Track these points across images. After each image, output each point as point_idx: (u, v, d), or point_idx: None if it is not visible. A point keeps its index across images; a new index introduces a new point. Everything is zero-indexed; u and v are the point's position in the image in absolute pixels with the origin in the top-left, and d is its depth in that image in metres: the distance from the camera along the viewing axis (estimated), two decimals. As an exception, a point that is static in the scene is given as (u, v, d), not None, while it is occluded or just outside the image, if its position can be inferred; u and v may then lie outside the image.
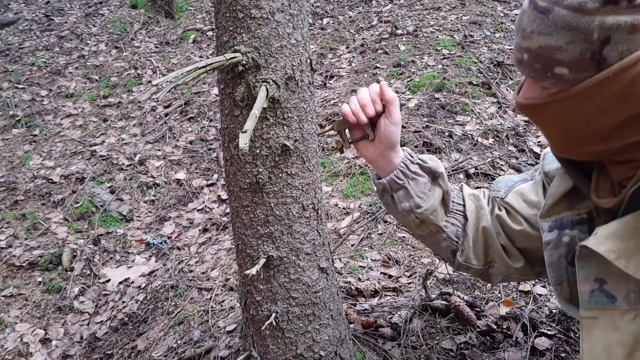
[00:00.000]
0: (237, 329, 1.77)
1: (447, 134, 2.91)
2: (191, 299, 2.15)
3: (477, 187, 2.19)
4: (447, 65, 3.68)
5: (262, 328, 1.16)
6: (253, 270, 1.02)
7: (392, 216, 1.32)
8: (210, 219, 2.91)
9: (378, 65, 3.96)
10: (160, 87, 0.77)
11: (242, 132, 0.81)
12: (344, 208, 2.51)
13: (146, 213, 3.16)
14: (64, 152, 3.82)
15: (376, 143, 1.10)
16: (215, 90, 4.28)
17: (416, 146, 2.81)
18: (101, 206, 3.15)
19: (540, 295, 1.70)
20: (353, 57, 4.33)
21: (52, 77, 5.04)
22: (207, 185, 3.28)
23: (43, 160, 3.73)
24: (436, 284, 1.83)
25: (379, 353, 1.47)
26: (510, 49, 3.90)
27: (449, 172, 2.52)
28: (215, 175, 3.34)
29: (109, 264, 2.74)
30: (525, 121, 3.03)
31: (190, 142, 3.79)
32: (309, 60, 1.06)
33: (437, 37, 4.20)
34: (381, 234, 2.22)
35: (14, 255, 2.77)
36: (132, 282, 2.57)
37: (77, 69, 5.20)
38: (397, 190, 1.11)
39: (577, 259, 0.81)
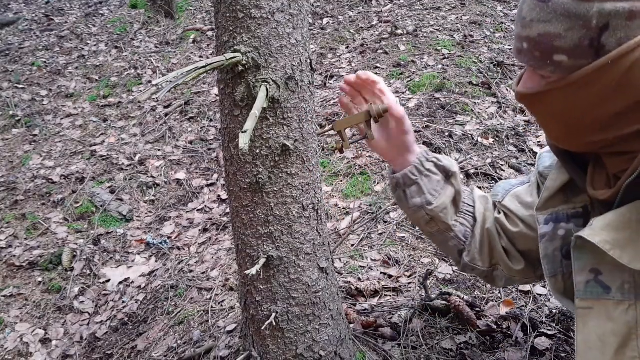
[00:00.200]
0: (237, 329, 1.77)
1: (447, 134, 2.91)
2: (191, 299, 2.15)
3: (478, 188, 2.19)
4: (447, 65, 3.68)
5: (262, 328, 1.16)
6: (253, 270, 1.02)
7: (402, 211, 1.35)
8: (210, 219, 2.91)
9: (378, 65, 3.96)
10: (160, 87, 0.77)
11: (242, 132, 0.81)
12: (344, 208, 2.51)
13: (146, 213, 3.16)
14: (64, 152, 3.82)
15: (391, 146, 1.13)
16: (215, 90, 4.27)
17: (416, 146, 2.80)
18: (101, 206, 3.15)
19: (540, 295, 1.70)
20: (353, 57, 4.33)
21: (52, 77, 5.03)
22: (207, 185, 3.28)
23: (43, 160, 3.72)
24: (436, 284, 1.83)
25: (379, 353, 1.47)
26: (510, 49, 3.90)
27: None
28: (215, 175, 3.34)
29: (109, 264, 2.74)
30: (525, 121, 3.03)
31: (190, 142, 3.79)
32: (309, 60, 1.06)
33: (437, 37, 4.20)
34: (381, 234, 2.22)
35: (14, 255, 2.77)
36: (132, 282, 2.57)
37: (77, 69, 5.20)
38: (409, 186, 1.13)
39: (572, 249, 0.82)
